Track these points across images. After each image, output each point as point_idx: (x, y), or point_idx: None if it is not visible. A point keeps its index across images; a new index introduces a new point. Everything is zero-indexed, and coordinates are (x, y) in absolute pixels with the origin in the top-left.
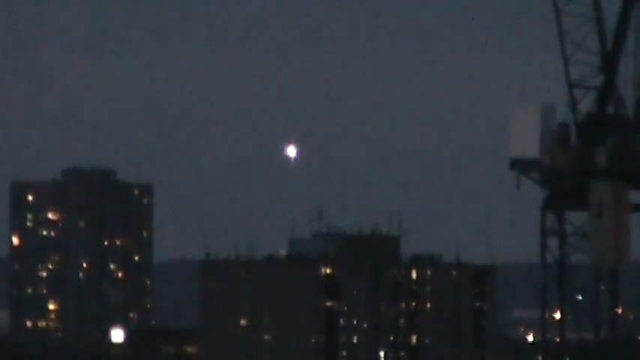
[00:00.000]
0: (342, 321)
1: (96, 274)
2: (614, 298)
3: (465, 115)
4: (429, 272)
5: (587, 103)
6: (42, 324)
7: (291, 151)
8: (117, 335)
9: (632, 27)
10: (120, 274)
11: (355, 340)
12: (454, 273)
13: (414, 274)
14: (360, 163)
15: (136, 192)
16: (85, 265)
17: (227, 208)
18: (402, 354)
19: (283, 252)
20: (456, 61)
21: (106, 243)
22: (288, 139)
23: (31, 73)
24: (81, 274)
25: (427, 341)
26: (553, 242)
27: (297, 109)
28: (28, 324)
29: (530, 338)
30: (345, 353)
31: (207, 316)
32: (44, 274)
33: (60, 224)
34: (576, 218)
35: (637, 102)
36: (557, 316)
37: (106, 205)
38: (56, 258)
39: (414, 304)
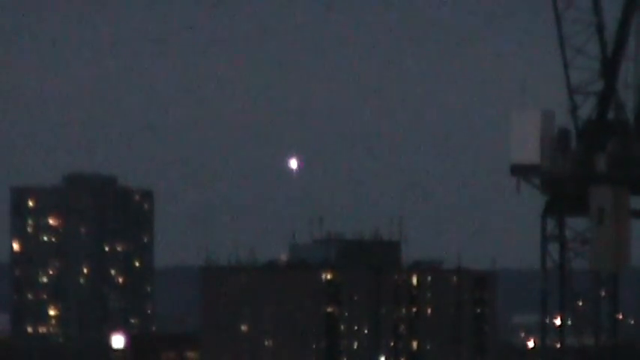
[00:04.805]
0: (342, 326)
1: (96, 279)
2: (614, 303)
3: (466, 121)
4: (429, 278)
5: (587, 109)
6: (43, 329)
7: (293, 163)
8: (117, 341)
9: (632, 32)
10: (120, 280)
11: (356, 346)
12: (454, 278)
13: (414, 280)
14: (360, 168)
15: (137, 198)
16: (85, 270)
17: (227, 213)
18: (403, 359)
19: (284, 258)
20: (457, 67)
21: (106, 248)
22: (291, 151)
23: (31, 78)
24: (81, 280)
25: (427, 347)
26: (553, 248)
27: (297, 115)
28: (29, 329)
29: (530, 344)
30: (345, 358)
31: (207, 321)
32: (45, 279)
33: (60, 230)
34: (577, 224)
35: (637, 107)
36: (558, 321)
37: (106, 211)
38: (57, 263)
39: (414, 309)
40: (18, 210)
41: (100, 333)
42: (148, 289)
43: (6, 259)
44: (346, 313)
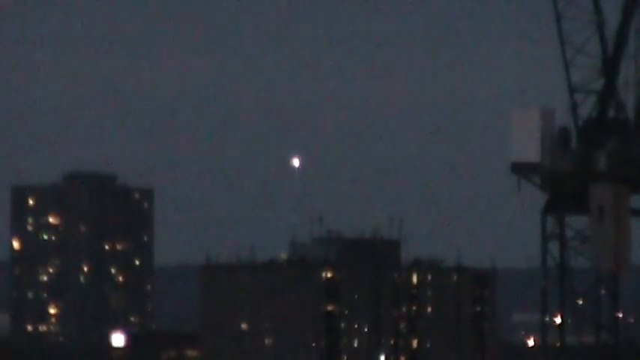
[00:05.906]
0: (342, 325)
1: (96, 278)
2: (614, 302)
3: (466, 120)
4: (429, 276)
5: (587, 107)
6: (43, 328)
7: (296, 161)
8: (118, 339)
9: (633, 31)
10: (120, 278)
11: (356, 344)
12: (455, 277)
13: (414, 278)
14: (360, 167)
15: (137, 196)
16: (85, 269)
17: (228, 212)
18: (403, 358)
19: (284, 256)
20: (457, 66)
21: (106, 247)
22: (293, 150)
23: (31, 77)
24: (82, 278)
25: (428, 345)
26: (554, 246)
27: (298, 113)
28: (29, 328)
29: (530, 342)
30: (345, 357)
31: (207, 320)
32: (45, 278)
33: (61, 228)
34: (577, 222)
35: (637, 106)
36: (558, 320)
37: (106, 210)
38: (57, 262)
39: (414, 308)
40: (18, 208)
41: (100, 331)
42: (148, 287)
43: (6, 258)
44: (346, 312)
